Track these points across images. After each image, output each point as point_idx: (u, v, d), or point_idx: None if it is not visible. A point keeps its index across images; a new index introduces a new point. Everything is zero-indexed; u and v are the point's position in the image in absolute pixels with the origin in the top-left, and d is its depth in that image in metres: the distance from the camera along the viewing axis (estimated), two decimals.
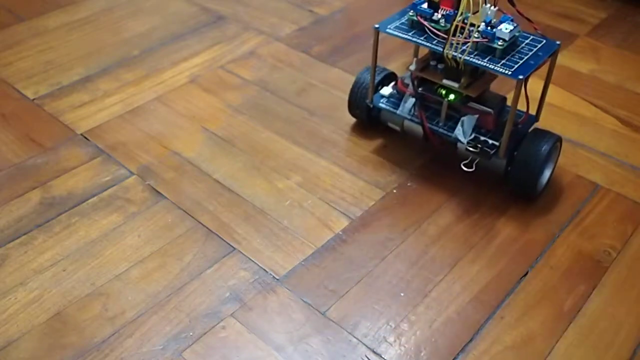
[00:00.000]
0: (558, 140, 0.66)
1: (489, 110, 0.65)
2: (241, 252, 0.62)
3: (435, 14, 0.64)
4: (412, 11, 0.65)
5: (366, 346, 0.54)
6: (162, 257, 0.62)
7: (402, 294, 0.59)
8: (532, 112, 0.68)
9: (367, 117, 0.76)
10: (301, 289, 0.59)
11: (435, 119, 0.68)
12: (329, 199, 0.68)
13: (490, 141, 0.65)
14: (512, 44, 0.62)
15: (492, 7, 0.62)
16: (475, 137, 0.65)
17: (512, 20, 0.63)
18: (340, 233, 0.65)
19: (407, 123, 0.71)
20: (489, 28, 0.61)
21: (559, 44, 0.64)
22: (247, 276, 0.60)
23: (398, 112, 0.70)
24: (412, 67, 0.67)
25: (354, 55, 0.93)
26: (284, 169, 0.72)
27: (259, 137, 0.77)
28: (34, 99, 0.82)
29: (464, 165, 0.65)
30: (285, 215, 0.66)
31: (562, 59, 0.93)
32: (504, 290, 0.59)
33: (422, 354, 0.54)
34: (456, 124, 0.66)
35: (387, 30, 0.66)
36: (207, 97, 0.84)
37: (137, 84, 0.86)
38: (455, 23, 0.60)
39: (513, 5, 0.63)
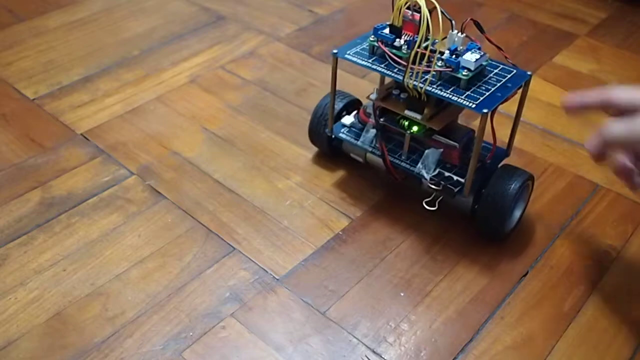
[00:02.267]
0: (529, 178, 0.62)
1: (454, 144, 0.61)
2: (241, 252, 0.62)
3: (398, 40, 0.59)
4: (373, 36, 0.61)
5: (366, 346, 0.54)
6: (162, 257, 0.62)
7: (402, 294, 0.59)
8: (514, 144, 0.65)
9: (328, 147, 0.71)
10: (301, 289, 0.59)
11: (398, 152, 0.64)
12: (329, 199, 0.68)
13: (455, 177, 0.61)
14: (479, 74, 0.59)
15: (459, 34, 0.58)
16: (439, 172, 0.61)
17: (479, 49, 0.58)
18: (340, 233, 0.65)
19: (369, 155, 0.67)
20: (453, 56, 0.57)
21: (529, 75, 0.60)
22: (247, 276, 0.60)
23: (359, 143, 0.66)
24: (373, 96, 0.63)
25: None
26: (284, 169, 0.72)
27: (259, 137, 0.77)
28: (34, 99, 0.82)
29: (426, 203, 0.61)
30: (285, 215, 0.66)
31: (562, 59, 0.94)
32: (504, 290, 0.59)
33: (422, 354, 0.54)
34: (420, 157, 0.63)
35: (346, 56, 0.61)
36: (207, 97, 0.84)
37: (137, 84, 0.86)
38: (415, 50, 0.55)
39: (482, 31, 0.59)
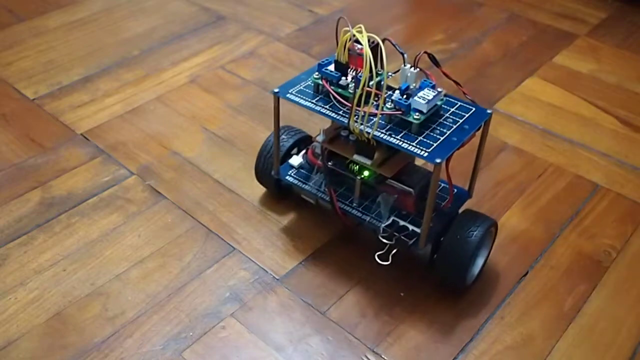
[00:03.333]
0: (492, 225, 0.57)
1: (409, 189, 0.55)
2: (241, 252, 0.62)
3: (344, 78, 0.54)
4: (317, 73, 0.55)
5: (366, 346, 0.54)
6: (162, 257, 0.62)
7: (402, 294, 0.59)
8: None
9: (275, 188, 0.66)
10: (301, 289, 0.59)
11: (349, 197, 0.59)
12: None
13: (411, 227, 0.55)
14: (434, 114, 0.53)
15: (412, 69, 0.53)
16: (393, 221, 0.56)
17: (434, 87, 0.53)
18: (340, 233, 0.65)
19: (320, 199, 0.60)
20: (404, 97, 0.52)
21: (489, 113, 0.54)
22: (247, 276, 0.60)
23: (307, 187, 0.60)
24: (320, 138, 0.57)
25: None
26: None
27: (259, 137, 0.77)
28: (34, 99, 0.82)
29: (379, 257, 0.55)
30: (285, 215, 0.66)
31: (562, 58, 0.94)
32: (504, 290, 0.59)
33: (422, 354, 0.54)
34: (372, 202, 0.58)
35: (288, 96, 0.56)
36: (207, 97, 0.84)
37: (137, 84, 0.86)
38: (360, 91, 0.50)
39: (438, 66, 0.54)
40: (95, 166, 0.72)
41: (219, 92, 0.85)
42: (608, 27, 1.02)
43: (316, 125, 0.61)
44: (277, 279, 0.60)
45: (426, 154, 0.50)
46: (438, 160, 0.49)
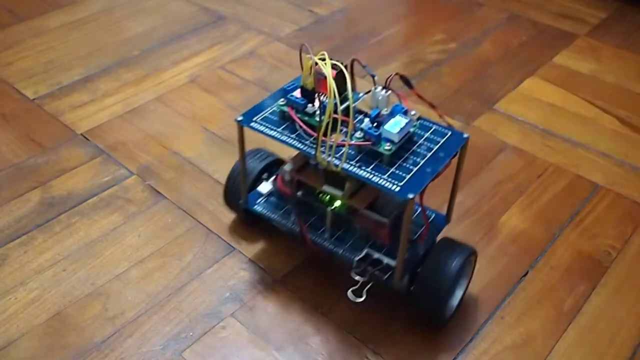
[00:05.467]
0: (472, 254, 0.54)
1: (384, 220, 0.52)
2: (241, 252, 0.62)
3: (310, 105, 0.50)
4: (282, 99, 0.52)
5: (366, 346, 0.54)
6: (162, 257, 0.62)
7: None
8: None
9: (245, 214, 0.62)
10: (301, 289, 0.59)
11: (321, 227, 0.55)
12: None
13: (386, 260, 0.52)
14: (408, 141, 0.50)
15: (383, 91, 0.49)
16: (366, 254, 0.52)
17: (405, 112, 0.50)
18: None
19: (292, 227, 0.57)
20: (374, 125, 0.49)
21: (466, 137, 0.51)
22: (246, 276, 0.60)
23: (277, 217, 0.57)
24: (288, 167, 0.54)
25: (354, 55, 0.93)
26: None
27: (259, 137, 0.76)
28: (34, 99, 0.82)
29: (352, 292, 0.51)
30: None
31: (562, 58, 0.94)
32: (504, 290, 0.59)
33: (422, 354, 0.54)
34: (345, 233, 0.55)
35: (252, 125, 0.52)
36: (207, 97, 0.84)
37: (137, 84, 0.86)
38: (325, 121, 0.46)
39: (410, 87, 0.51)
40: (95, 166, 0.72)
41: (219, 92, 0.85)
42: (608, 27, 1.02)
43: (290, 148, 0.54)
44: (277, 279, 0.60)
45: (398, 188, 0.47)
46: (410, 196, 0.46)
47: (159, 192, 0.69)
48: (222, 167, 0.72)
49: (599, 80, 0.89)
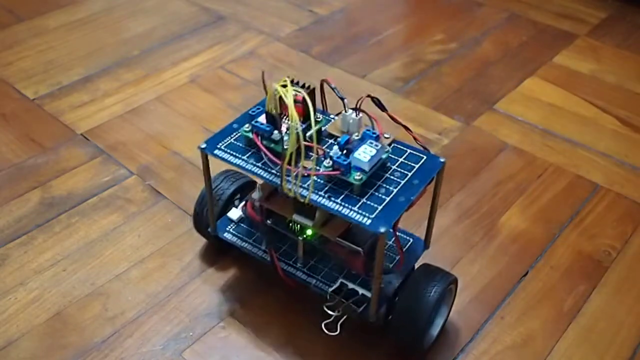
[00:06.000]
0: (452, 282, 0.52)
1: (358, 249, 0.49)
2: (241, 252, 0.62)
3: (276, 131, 0.47)
4: (247, 125, 0.49)
5: (366, 346, 0.54)
6: (162, 257, 0.62)
7: None
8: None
9: (215, 241, 0.59)
10: (301, 288, 0.59)
11: (293, 255, 0.53)
12: None
13: (361, 291, 0.49)
14: (381, 168, 0.48)
15: (354, 115, 0.47)
16: (341, 284, 0.50)
17: (377, 138, 0.47)
18: None
19: (263, 256, 0.54)
20: (343, 153, 0.46)
21: (442, 162, 0.49)
22: (247, 276, 0.60)
23: (246, 245, 0.54)
24: (255, 195, 0.52)
25: (354, 55, 0.93)
26: None
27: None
28: (34, 99, 0.82)
29: (325, 326, 0.49)
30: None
31: (562, 58, 0.94)
32: (504, 290, 0.59)
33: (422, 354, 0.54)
34: (319, 262, 0.53)
35: (216, 152, 0.50)
36: (207, 97, 0.84)
37: (137, 84, 0.86)
38: (290, 150, 0.44)
39: (383, 110, 0.49)
40: (95, 166, 0.72)
41: (219, 92, 0.85)
42: (608, 27, 1.02)
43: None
44: (277, 279, 0.60)
45: (369, 221, 0.44)
46: (382, 230, 0.43)
47: (159, 192, 0.69)
48: (222, 167, 0.72)
49: (599, 80, 0.89)
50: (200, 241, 0.63)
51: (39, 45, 0.94)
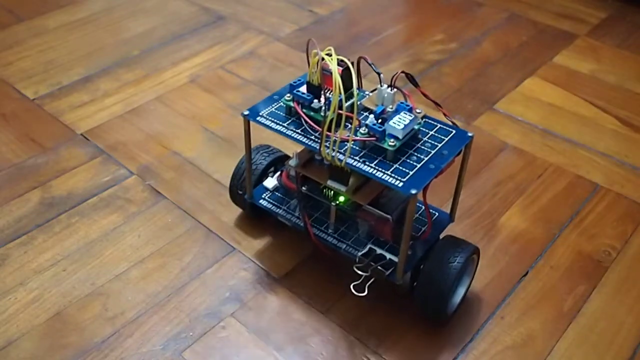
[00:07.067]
0: (474, 252, 0.54)
1: (387, 216, 0.52)
2: (241, 252, 0.62)
3: (316, 100, 0.51)
4: (288, 94, 0.53)
5: (366, 346, 0.54)
6: (162, 257, 0.62)
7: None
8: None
9: (250, 210, 0.63)
10: (301, 289, 0.59)
11: (325, 222, 0.56)
12: None
13: (388, 256, 0.52)
14: (412, 138, 0.51)
15: (389, 89, 0.50)
16: (369, 250, 0.53)
17: (410, 110, 0.50)
18: None
19: (296, 222, 0.57)
20: (379, 122, 0.49)
21: (471, 136, 0.52)
22: (247, 276, 0.60)
23: (281, 212, 0.57)
24: (293, 162, 0.54)
25: (354, 55, 0.92)
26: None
27: (259, 136, 0.77)
28: (34, 99, 0.82)
29: (354, 287, 0.52)
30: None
31: (562, 58, 0.94)
32: (504, 290, 0.59)
33: (422, 354, 0.54)
34: (349, 229, 0.55)
35: (258, 119, 0.53)
36: (207, 97, 0.84)
37: (137, 84, 0.86)
38: (330, 116, 0.47)
39: (416, 85, 0.52)
40: (95, 166, 0.72)
41: (219, 92, 0.85)
42: (608, 27, 1.02)
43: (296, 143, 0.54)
44: (277, 279, 0.60)
45: (401, 184, 0.47)
46: (413, 192, 0.46)
47: (159, 192, 0.69)
48: (222, 167, 0.72)
49: (599, 80, 0.89)
50: (200, 241, 0.63)
51: (39, 45, 0.94)
